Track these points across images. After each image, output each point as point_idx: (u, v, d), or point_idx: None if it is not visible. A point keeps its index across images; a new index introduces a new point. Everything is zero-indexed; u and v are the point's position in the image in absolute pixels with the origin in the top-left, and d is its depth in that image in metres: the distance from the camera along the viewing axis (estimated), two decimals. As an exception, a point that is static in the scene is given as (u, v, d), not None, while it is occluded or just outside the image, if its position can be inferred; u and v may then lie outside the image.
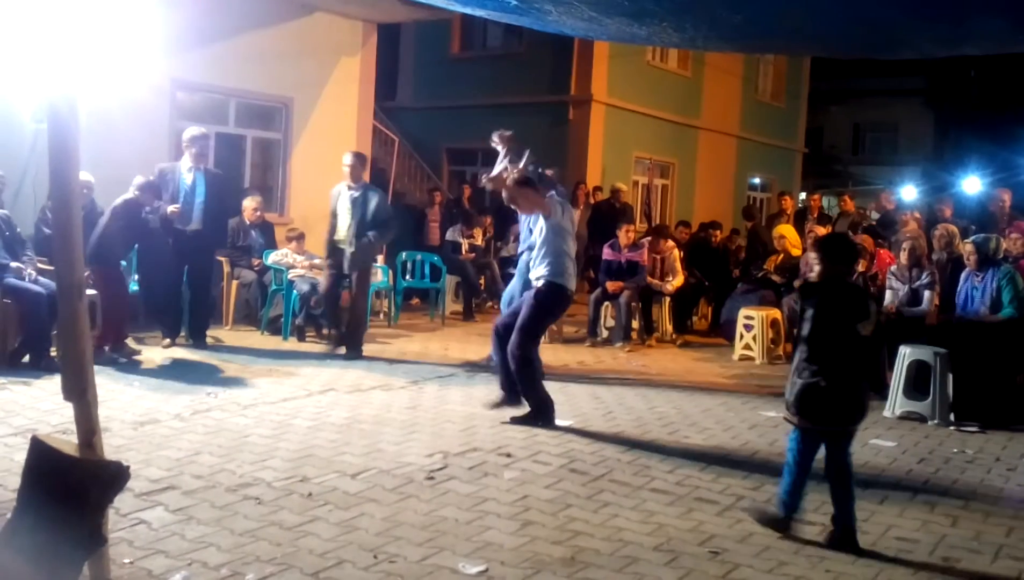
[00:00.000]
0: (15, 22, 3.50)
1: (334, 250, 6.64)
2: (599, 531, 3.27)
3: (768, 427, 5.07)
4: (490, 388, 5.77)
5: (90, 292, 5.42)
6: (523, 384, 4.77)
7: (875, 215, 11.10)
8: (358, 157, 6.78)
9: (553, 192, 5.33)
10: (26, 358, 5.48)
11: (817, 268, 3.43)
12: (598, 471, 4.01)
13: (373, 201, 6.58)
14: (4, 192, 6.13)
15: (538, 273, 4.82)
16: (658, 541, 3.20)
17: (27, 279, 5.54)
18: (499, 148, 5.85)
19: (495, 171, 5.66)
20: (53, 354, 5.43)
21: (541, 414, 4.76)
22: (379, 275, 8.68)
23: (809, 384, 3.23)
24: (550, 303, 4.82)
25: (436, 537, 3.12)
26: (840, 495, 3.26)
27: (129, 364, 5.81)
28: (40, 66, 2.62)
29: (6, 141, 6.54)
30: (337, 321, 6.82)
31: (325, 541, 3.03)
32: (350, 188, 6.62)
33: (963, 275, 5.89)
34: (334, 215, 6.67)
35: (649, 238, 8.65)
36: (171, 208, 6.38)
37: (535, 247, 4.94)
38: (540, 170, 5.86)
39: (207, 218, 6.58)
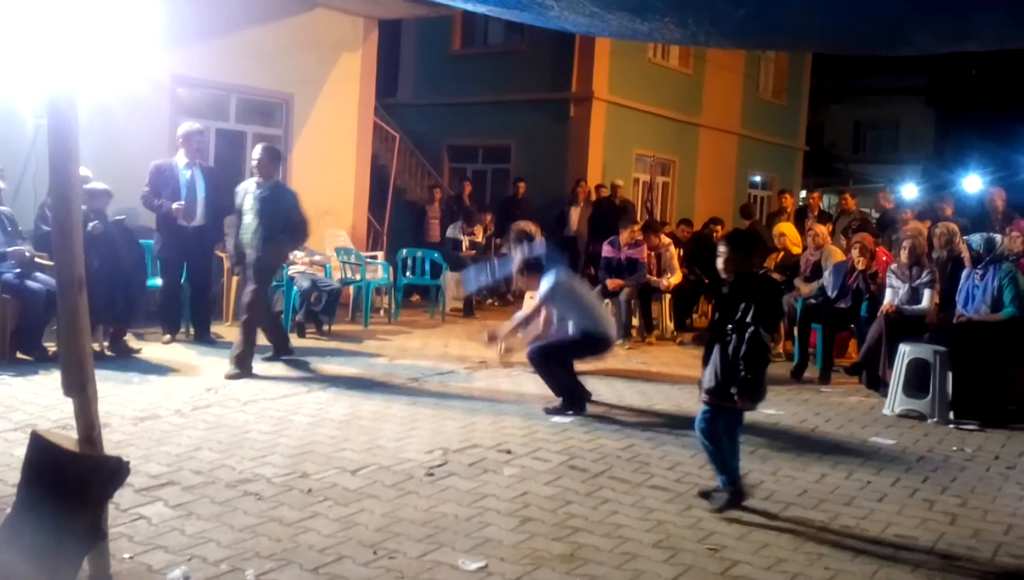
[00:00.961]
0: (16, 17, 3.50)
1: (239, 253, 5.99)
2: (598, 528, 3.27)
3: (767, 424, 5.07)
4: (489, 384, 5.78)
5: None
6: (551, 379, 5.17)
7: (874, 214, 11.11)
8: (268, 152, 6.02)
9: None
10: (19, 354, 5.48)
11: (723, 262, 3.54)
12: (598, 468, 4.02)
13: (284, 201, 5.93)
14: (4, 189, 6.13)
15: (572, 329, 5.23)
16: (657, 538, 3.21)
17: (23, 263, 5.54)
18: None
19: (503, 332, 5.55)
20: (47, 346, 5.45)
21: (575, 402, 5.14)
22: (379, 272, 8.69)
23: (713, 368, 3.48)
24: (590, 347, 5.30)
25: (436, 533, 3.12)
26: (727, 459, 3.54)
27: (129, 360, 5.81)
28: (40, 62, 2.62)
29: (6, 137, 6.53)
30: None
31: (325, 537, 3.03)
32: (259, 185, 5.91)
33: (964, 273, 5.88)
34: (239, 214, 5.97)
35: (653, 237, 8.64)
36: (175, 205, 6.36)
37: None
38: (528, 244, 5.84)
39: (209, 214, 6.58)
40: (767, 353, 3.48)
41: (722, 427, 3.53)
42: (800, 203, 14.61)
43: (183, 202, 6.40)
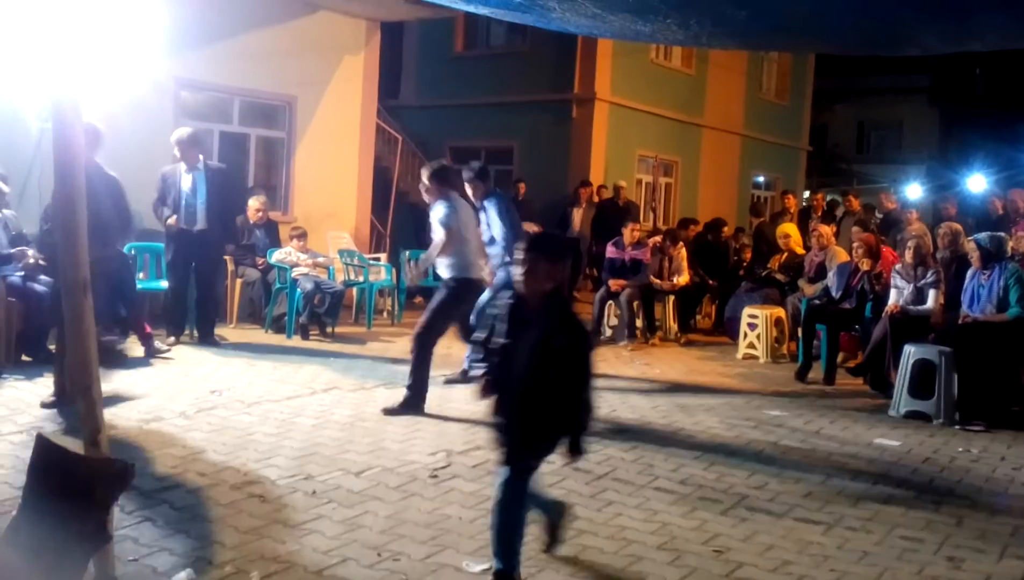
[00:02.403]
0: (19, 22, 3.51)
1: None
2: (602, 530, 3.27)
3: (772, 426, 5.06)
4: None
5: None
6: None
7: (878, 215, 11.08)
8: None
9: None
10: (24, 356, 5.49)
11: (523, 275, 2.61)
12: (601, 470, 4.01)
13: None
14: (8, 192, 6.14)
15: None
16: (662, 540, 3.20)
17: (26, 266, 5.55)
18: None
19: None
20: (51, 348, 5.46)
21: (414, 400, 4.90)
22: (382, 273, 8.70)
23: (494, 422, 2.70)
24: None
25: (440, 535, 3.12)
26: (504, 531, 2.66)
27: (134, 362, 5.81)
28: (44, 66, 2.63)
29: (11, 141, 6.55)
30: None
31: (329, 539, 3.03)
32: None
33: (969, 273, 5.86)
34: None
35: (657, 238, 8.64)
36: (169, 220, 6.48)
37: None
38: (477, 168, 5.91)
39: (211, 217, 6.60)
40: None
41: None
42: (803, 204, 14.59)
43: (177, 216, 6.48)
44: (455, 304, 5.14)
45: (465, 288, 5.14)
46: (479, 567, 2.87)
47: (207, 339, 6.62)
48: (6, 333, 5.44)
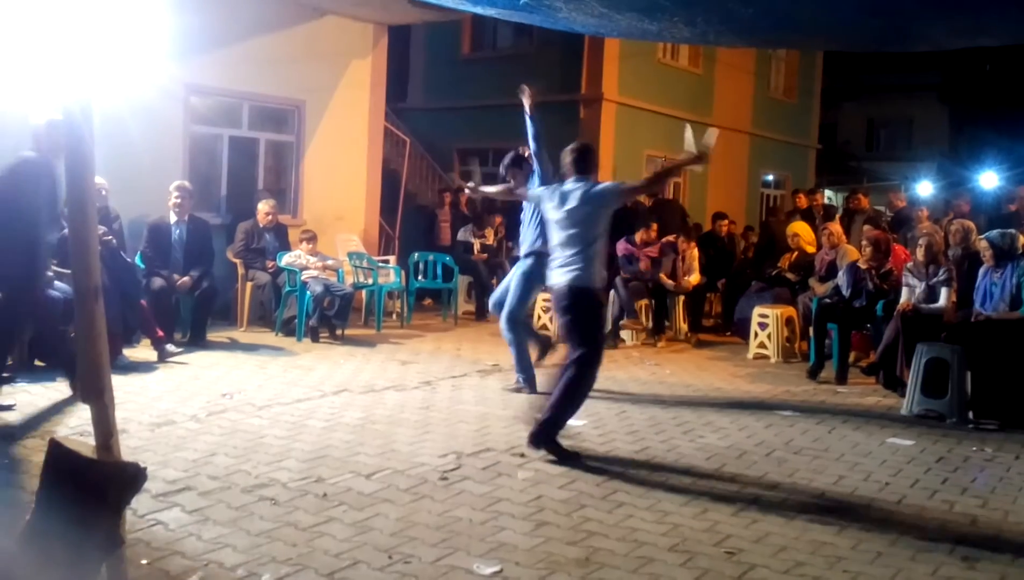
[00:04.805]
0: (30, 28, 3.54)
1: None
2: (614, 531, 3.25)
3: (784, 426, 5.03)
4: (502, 387, 5.77)
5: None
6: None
7: (888, 213, 11.00)
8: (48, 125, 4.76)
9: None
10: (37, 361, 5.52)
11: None
12: (612, 471, 4.00)
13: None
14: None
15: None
16: (673, 541, 3.19)
17: (49, 275, 5.58)
18: (525, 102, 5.73)
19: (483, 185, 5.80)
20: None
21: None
22: (391, 276, 8.72)
23: None
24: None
25: (450, 537, 3.12)
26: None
27: (145, 366, 5.85)
28: (55, 72, 2.65)
29: (22, 147, 6.60)
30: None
31: (340, 542, 3.04)
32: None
33: (981, 271, 5.81)
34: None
35: (671, 236, 8.61)
36: (182, 282, 6.68)
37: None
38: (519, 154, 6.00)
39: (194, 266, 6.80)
40: None
41: None
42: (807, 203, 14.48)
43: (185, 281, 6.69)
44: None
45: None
46: (490, 569, 2.87)
47: (198, 341, 6.63)
48: (19, 338, 5.47)
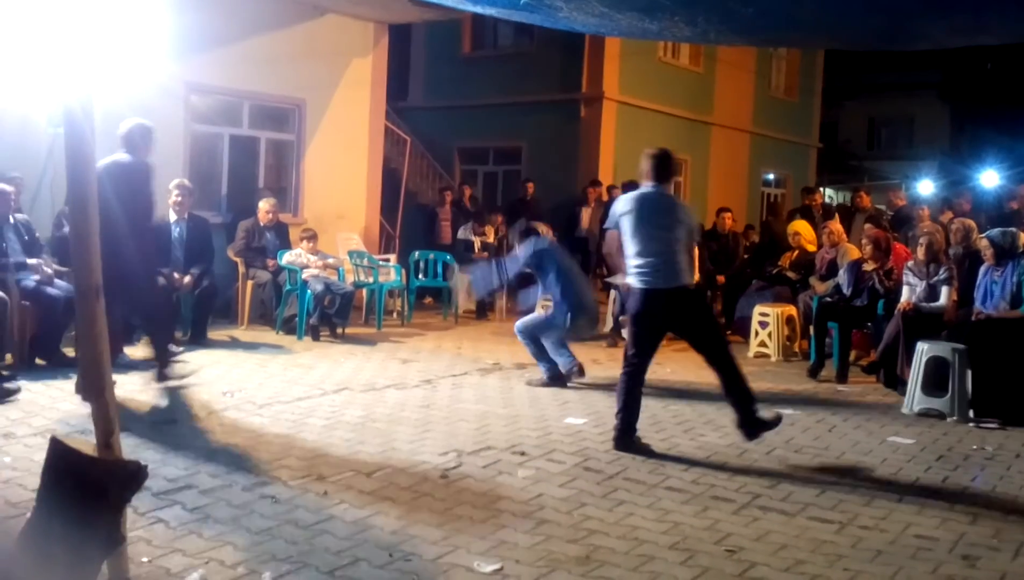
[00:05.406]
0: (31, 28, 3.54)
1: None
2: (614, 530, 3.26)
3: (784, 424, 5.02)
4: (503, 386, 5.78)
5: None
6: None
7: (888, 212, 11.00)
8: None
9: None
10: (38, 359, 5.53)
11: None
12: (613, 469, 4.00)
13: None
14: (22, 195, 6.20)
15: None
16: (673, 540, 3.19)
17: (43, 277, 5.60)
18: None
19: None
20: (65, 352, 5.50)
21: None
22: (392, 274, 8.72)
23: None
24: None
25: (451, 535, 3.12)
26: None
27: (146, 364, 5.85)
28: (56, 71, 2.65)
29: (24, 146, 6.62)
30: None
31: (341, 539, 3.04)
32: None
33: (982, 269, 5.81)
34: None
35: None
36: (185, 281, 6.68)
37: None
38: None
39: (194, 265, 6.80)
40: None
41: None
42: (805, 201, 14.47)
43: (187, 279, 6.70)
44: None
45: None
46: (490, 567, 2.87)
47: (200, 339, 6.64)
48: (20, 337, 5.49)
